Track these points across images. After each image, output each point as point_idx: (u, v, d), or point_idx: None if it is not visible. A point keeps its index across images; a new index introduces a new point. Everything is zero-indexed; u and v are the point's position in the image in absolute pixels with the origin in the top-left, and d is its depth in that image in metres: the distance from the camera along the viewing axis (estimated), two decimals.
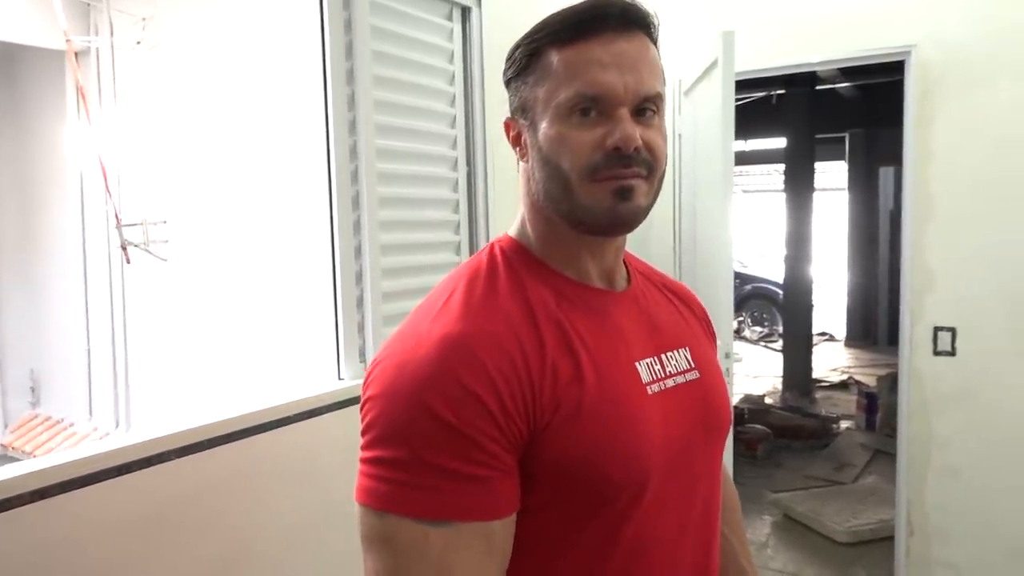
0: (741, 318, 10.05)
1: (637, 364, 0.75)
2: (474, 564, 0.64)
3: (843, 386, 6.41)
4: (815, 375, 6.37)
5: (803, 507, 3.64)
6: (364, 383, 0.71)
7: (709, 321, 0.95)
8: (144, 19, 3.33)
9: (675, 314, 0.86)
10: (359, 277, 1.89)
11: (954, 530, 2.67)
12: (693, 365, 0.81)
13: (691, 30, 3.02)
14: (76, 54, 3.44)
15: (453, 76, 2.22)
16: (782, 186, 6.70)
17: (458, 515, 0.63)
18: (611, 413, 0.69)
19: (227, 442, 1.56)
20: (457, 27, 2.23)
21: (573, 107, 0.70)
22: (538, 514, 0.69)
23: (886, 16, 2.71)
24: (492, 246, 0.79)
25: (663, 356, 0.78)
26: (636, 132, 0.70)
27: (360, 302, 1.90)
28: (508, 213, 2.37)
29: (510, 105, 0.78)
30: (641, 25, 0.73)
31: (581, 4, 0.72)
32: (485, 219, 2.29)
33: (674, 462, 0.74)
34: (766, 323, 9.63)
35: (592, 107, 0.70)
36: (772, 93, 6.17)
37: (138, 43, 3.34)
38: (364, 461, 0.67)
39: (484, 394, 0.64)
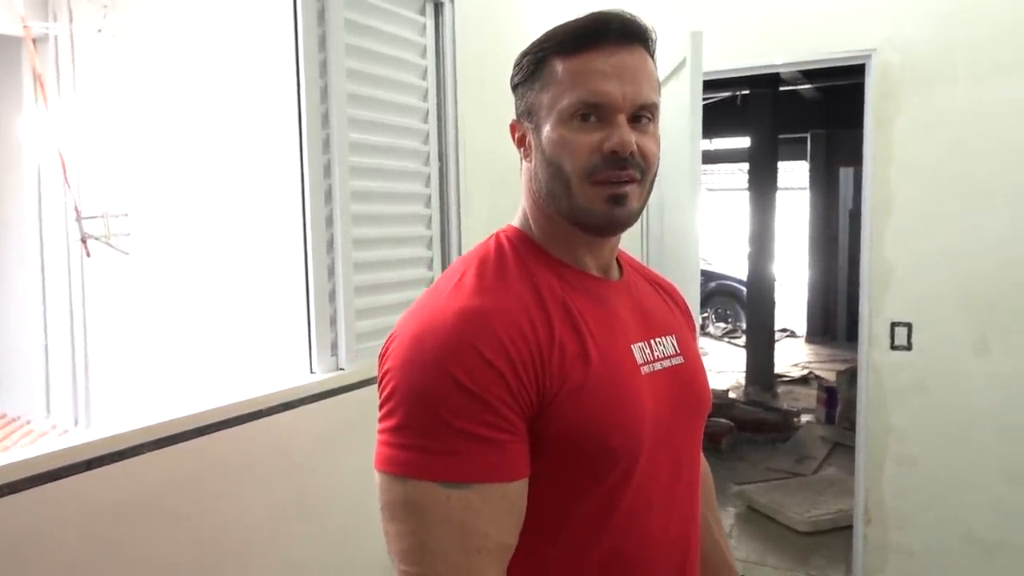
0: (705, 314, 10.19)
1: (632, 346, 0.81)
2: (493, 524, 0.69)
3: (804, 381, 6.57)
4: (777, 370, 6.51)
5: (765, 498, 3.73)
6: (381, 358, 0.76)
7: (691, 315, 1.02)
8: (105, 6, 3.26)
9: (662, 304, 0.93)
10: (331, 271, 1.88)
11: (910, 518, 2.76)
12: (678, 351, 0.87)
13: (660, 30, 3.06)
14: (34, 41, 3.36)
15: (426, 71, 2.23)
16: (746, 185, 6.82)
17: (477, 476, 0.68)
18: (612, 389, 0.75)
19: (198, 436, 1.55)
20: (430, 22, 2.24)
21: (575, 112, 0.77)
22: (543, 481, 0.73)
23: (848, 20, 2.78)
24: (498, 235, 0.85)
25: (652, 341, 0.85)
26: (632, 138, 0.77)
27: (332, 296, 1.89)
28: (480, 208, 2.38)
29: (516, 109, 0.84)
30: (640, 39, 0.81)
31: (585, 17, 0.79)
32: (456, 214, 2.30)
33: (661, 438, 0.80)
34: (730, 319, 9.80)
35: (592, 113, 0.77)
36: (737, 93, 6.27)
37: (99, 31, 3.27)
38: (384, 431, 0.71)
39: (499, 362, 0.69)
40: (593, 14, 0.79)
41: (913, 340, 2.73)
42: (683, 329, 0.93)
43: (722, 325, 9.80)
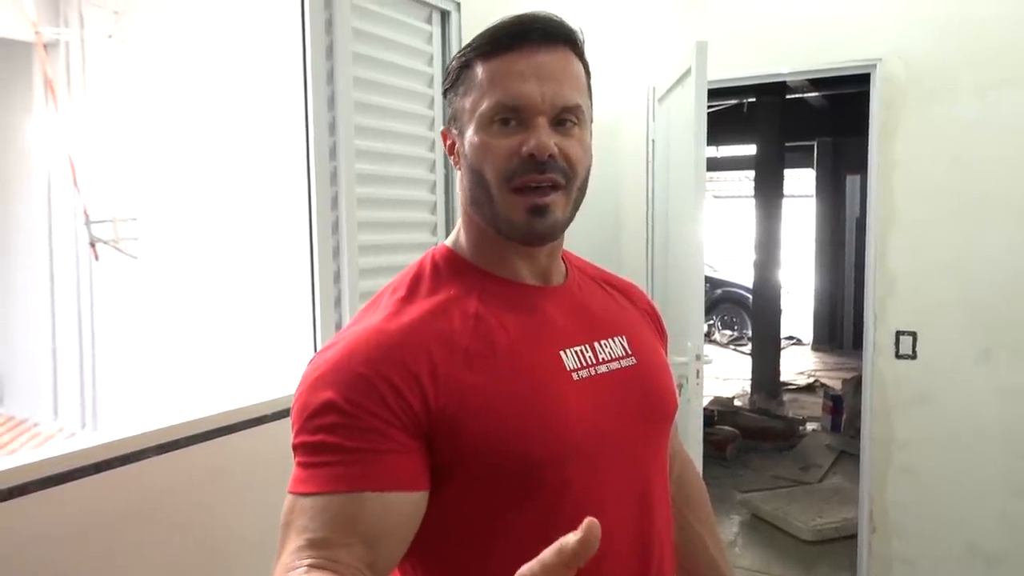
0: (711, 321, 10.18)
1: (562, 352, 0.77)
2: (329, 527, 0.65)
3: (810, 389, 6.55)
4: (783, 378, 6.50)
5: (770, 506, 3.72)
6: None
7: (656, 316, 0.96)
8: (116, 12, 3.29)
9: (612, 304, 0.88)
10: (336, 276, 1.90)
11: (913, 528, 2.76)
12: (629, 352, 0.82)
13: (665, 38, 3.08)
14: (45, 46, 3.39)
15: (432, 79, 2.24)
16: (752, 192, 6.81)
17: (324, 487, 0.66)
18: (527, 396, 0.72)
19: (205, 440, 1.56)
20: (436, 30, 2.26)
21: (494, 116, 0.74)
22: (465, 503, 0.71)
23: (854, 30, 2.79)
24: (425, 256, 0.83)
25: (596, 344, 0.80)
26: (551, 140, 0.73)
27: (337, 301, 1.91)
28: None
29: (445, 116, 0.82)
30: (565, 40, 0.77)
31: (508, 19, 0.76)
32: None
33: (604, 447, 0.75)
34: (735, 327, 9.77)
35: (512, 117, 0.74)
36: (744, 101, 6.27)
37: (110, 36, 3.30)
38: (292, 448, 0.72)
39: (376, 381, 0.68)
40: (515, 16, 0.76)
41: (918, 349, 2.73)
42: (638, 328, 0.88)
43: (728, 332, 9.78)
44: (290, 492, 0.69)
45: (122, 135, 3.33)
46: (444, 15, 2.27)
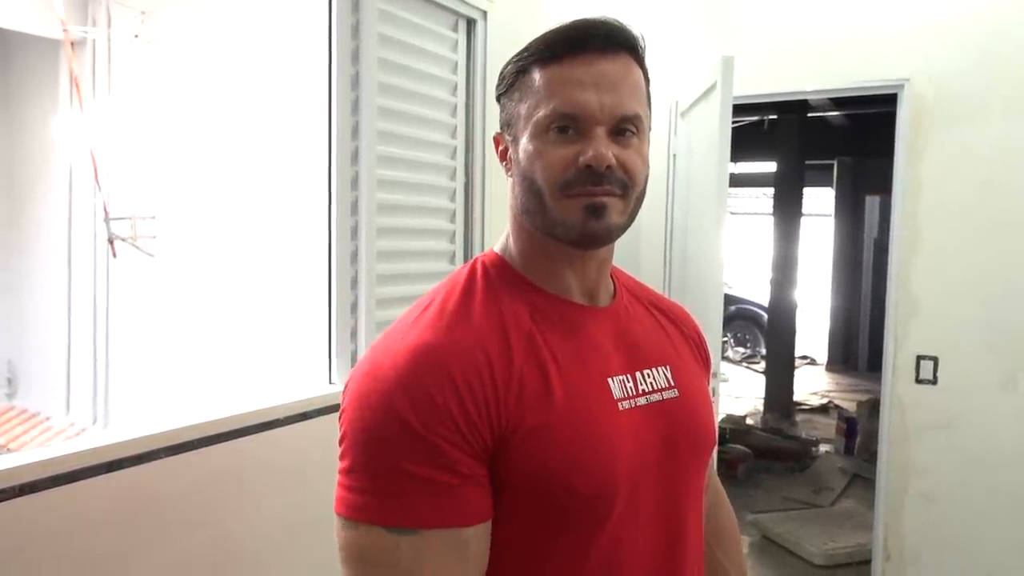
0: (725, 338, 10.10)
1: (610, 380, 0.75)
2: (444, 571, 0.64)
3: (823, 410, 6.47)
4: (796, 398, 6.42)
5: (781, 528, 3.67)
6: (342, 396, 0.72)
7: (702, 344, 0.94)
8: (143, 13, 3.32)
9: (659, 332, 0.86)
10: (354, 282, 1.89)
11: (929, 557, 2.70)
12: (672, 384, 0.80)
13: (690, 53, 3.06)
14: (72, 44, 3.43)
15: (456, 87, 2.24)
16: (770, 209, 6.77)
17: (426, 522, 0.64)
18: (579, 426, 0.70)
19: (217, 442, 1.55)
20: (462, 38, 2.25)
21: (550, 124, 0.72)
22: (509, 524, 0.69)
23: (881, 49, 2.76)
24: (475, 261, 0.81)
25: (638, 374, 0.78)
26: (610, 152, 0.71)
27: (354, 307, 1.90)
28: (504, 224, 2.38)
29: (499, 121, 0.80)
30: (626, 46, 0.75)
31: (568, 24, 0.74)
32: (481, 230, 2.30)
33: (645, 480, 0.74)
34: (749, 344, 9.70)
35: (569, 125, 0.72)
36: (764, 118, 6.24)
37: (136, 36, 3.33)
38: (339, 472, 0.68)
39: (449, 402, 0.65)
40: (576, 21, 0.74)
41: (939, 374, 2.68)
42: (683, 359, 0.86)
43: (741, 350, 9.70)
44: (373, 522, 0.64)
45: (145, 134, 3.36)
46: (470, 23, 2.27)
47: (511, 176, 0.78)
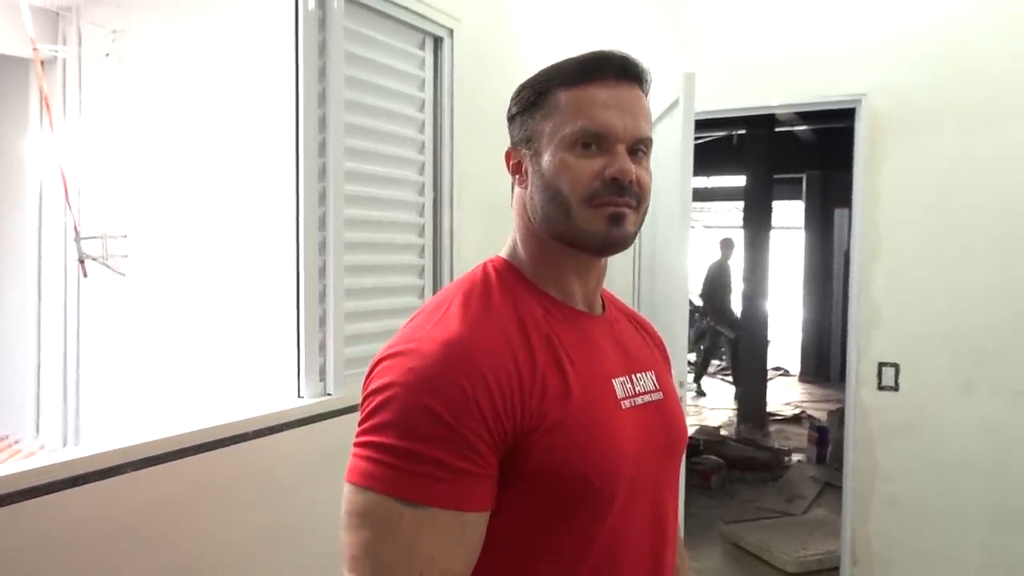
0: (699, 349, 10.19)
1: (613, 381, 0.82)
2: (441, 550, 0.69)
3: (796, 420, 6.55)
4: (770, 409, 6.50)
5: (754, 537, 3.71)
6: (367, 379, 0.77)
7: (666, 352, 1.03)
8: (115, 31, 3.33)
9: (641, 341, 0.95)
10: (322, 296, 1.91)
11: (896, 560, 2.76)
12: (657, 387, 0.88)
13: (655, 70, 3.13)
14: (42, 63, 3.41)
15: (424, 103, 2.27)
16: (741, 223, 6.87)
17: (434, 500, 0.69)
18: (592, 424, 0.76)
19: (184, 456, 1.55)
20: (429, 56, 2.29)
21: (577, 140, 0.79)
22: (516, 517, 0.75)
23: (839, 65, 2.85)
24: (485, 265, 0.86)
25: (633, 376, 0.85)
26: (632, 167, 0.80)
27: (322, 321, 1.91)
28: (473, 238, 2.41)
29: (513, 137, 0.87)
30: (637, 78, 0.85)
31: (587, 53, 0.83)
32: (450, 244, 2.33)
33: (640, 474, 0.80)
34: (724, 356, 9.78)
35: (593, 142, 0.80)
36: (733, 133, 6.36)
37: (107, 55, 3.33)
38: (360, 445, 0.73)
39: (480, 397, 0.71)
40: (595, 51, 0.83)
41: (900, 381, 2.75)
42: (661, 366, 0.94)
43: (716, 362, 9.78)
44: (385, 492, 0.69)
45: (116, 152, 3.35)
46: (437, 41, 2.31)
47: (523, 188, 0.85)
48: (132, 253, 3.25)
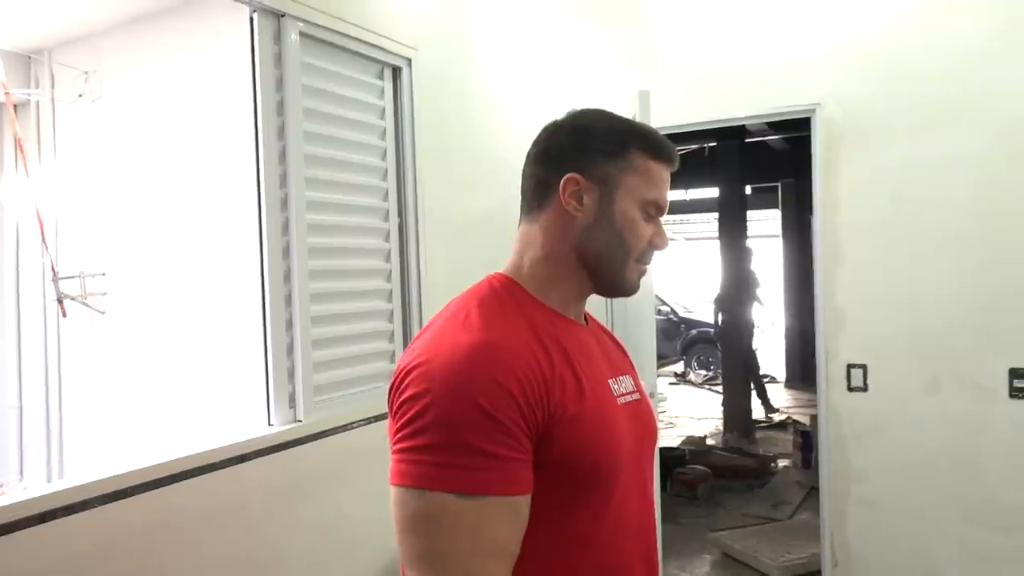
0: (684, 360, 10.27)
1: (609, 380, 0.94)
2: (501, 531, 0.78)
3: (782, 426, 6.59)
4: (756, 416, 6.54)
5: (740, 544, 3.73)
6: (398, 386, 0.82)
7: (631, 361, 1.14)
8: (87, 72, 3.37)
9: (615, 350, 1.07)
10: (289, 324, 1.94)
11: (874, 558, 2.78)
12: (634, 389, 1.00)
13: (613, 87, 3.21)
14: (15, 106, 3.45)
15: (384, 131, 2.32)
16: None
17: (489, 489, 0.76)
18: (600, 418, 0.87)
19: (154, 488, 1.58)
20: (388, 85, 2.35)
21: (647, 206, 0.93)
22: (542, 495, 0.82)
23: (792, 76, 2.92)
24: (490, 280, 0.95)
25: (618, 379, 0.97)
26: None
27: (290, 349, 1.94)
28: (440, 259, 2.46)
29: (581, 169, 0.92)
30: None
31: (657, 133, 0.96)
32: (416, 267, 2.38)
33: (632, 463, 0.92)
34: (711, 367, 9.84)
35: (654, 212, 0.95)
36: (704, 145, 6.46)
37: (80, 96, 3.37)
38: (405, 450, 0.79)
39: (515, 390, 0.79)
40: (661, 135, 0.96)
41: (869, 381, 2.80)
42: (633, 371, 1.06)
43: (703, 372, 9.84)
44: (443, 489, 0.75)
45: (91, 191, 3.38)
46: (396, 70, 2.36)
47: (575, 213, 0.92)
48: (110, 290, 3.27)
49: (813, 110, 2.89)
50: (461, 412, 0.76)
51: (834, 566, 2.84)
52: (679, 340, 10.63)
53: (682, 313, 10.91)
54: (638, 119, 2.45)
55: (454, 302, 0.93)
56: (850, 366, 2.83)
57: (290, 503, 1.91)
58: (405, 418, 0.79)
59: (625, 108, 2.67)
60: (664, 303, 10.86)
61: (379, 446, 2.15)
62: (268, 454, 1.84)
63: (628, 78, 3.16)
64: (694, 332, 10.42)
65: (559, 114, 0.99)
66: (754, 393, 6.69)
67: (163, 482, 1.60)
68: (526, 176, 0.99)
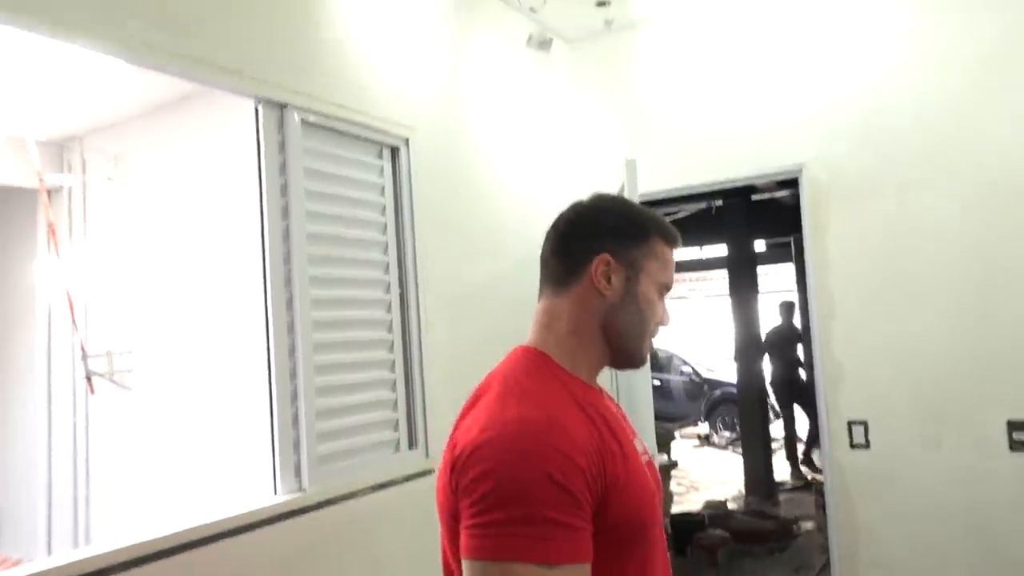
0: (708, 422, 10.11)
1: (633, 439, 1.01)
2: None
3: (807, 487, 6.45)
4: (779, 478, 6.42)
5: None
6: (464, 464, 0.86)
7: None
8: (116, 156, 3.58)
9: (620, 411, 1.11)
10: (294, 396, 2.03)
11: None
12: (645, 449, 1.06)
13: (601, 158, 3.36)
14: (48, 192, 3.65)
15: (384, 207, 2.45)
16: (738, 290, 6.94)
17: (567, 558, 0.81)
18: (639, 478, 0.94)
19: (165, 557, 1.65)
20: (387, 164, 2.49)
21: (662, 289, 1.05)
22: (597, 554, 0.87)
23: (778, 140, 3.05)
24: (524, 351, 1.01)
25: (635, 439, 1.03)
26: None
27: (295, 420, 2.02)
28: (441, 328, 2.55)
29: (612, 251, 1.01)
30: None
31: (665, 221, 1.06)
32: (418, 336, 2.46)
33: (658, 512, 0.99)
34: (736, 428, 9.69)
35: (665, 292, 1.05)
36: (712, 204, 6.55)
37: (109, 179, 3.58)
38: (482, 525, 0.82)
39: (581, 462, 0.84)
40: (669, 223, 1.07)
41: (871, 437, 2.80)
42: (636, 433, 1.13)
43: (727, 434, 9.69)
44: (527, 560, 0.79)
45: (118, 271, 3.55)
46: (394, 150, 2.51)
47: (606, 295, 1.01)
48: (135, 367, 3.40)
49: (799, 171, 3.00)
50: (536, 485, 0.80)
51: None
52: (703, 401, 10.49)
53: (704, 374, 10.80)
54: (625, 186, 2.58)
55: (497, 376, 0.98)
56: (851, 423, 2.85)
57: (297, 569, 1.96)
58: (478, 494, 0.82)
59: (613, 176, 2.79)
60: (686, 363, 10.78)
61: (383, 513, 2.21)
62: (275, 522, 1.91)
63: (617, 148, 3.30)
64: (717, 393, 10.29)
65: (582, 195, 1.09)
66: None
67: (174, 551, 1.67)
68: (554, 252, 1.05)
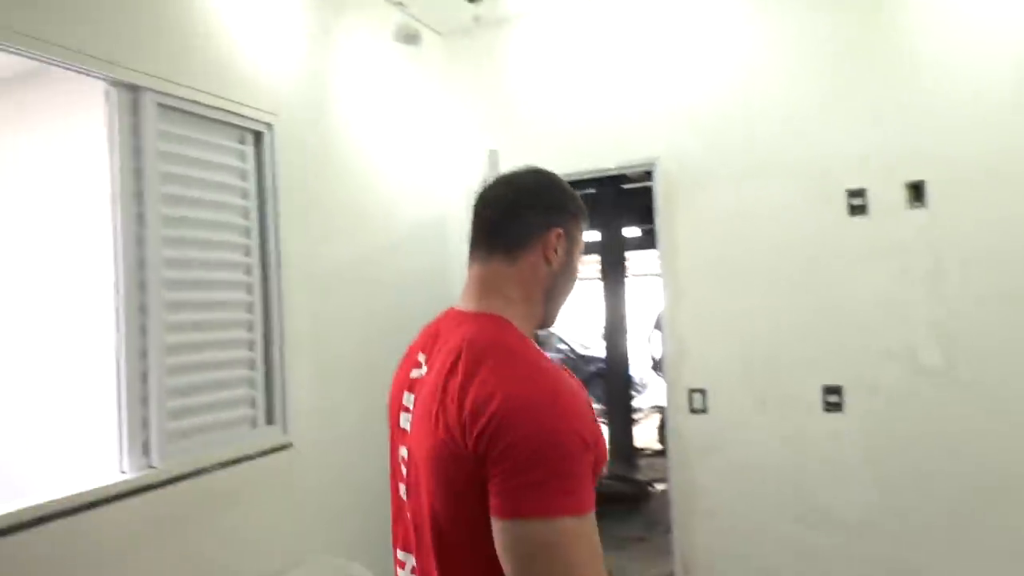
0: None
1: None
2: (596, 538, 0.89)
3: (663, 453, 6.92)
4: (641, 444, 6.85)
5: (609, 564, 3.96)
6: (496, 429, 0.88)
7: None
8: None
9: None
10: (144, 376, 2.04)
11: (720, 566, 3.07)
12: None
13: (466, 148, 3.49)
14: None
15: (247, 191, 2.47)
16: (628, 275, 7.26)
17: (590, 507, 0.88)
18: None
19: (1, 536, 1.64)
20: (250, 149, 2.49)
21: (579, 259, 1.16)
22: None
23: (635, 135, 3.28)
24: (497, 320, 1.05)
25: None
26: None
27: (145, 399, 2.04)
28: (302, 307, 2.60)
29: (563, 227, 1.10)
30: None
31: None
32: (279, 315, 2.51)
33: None
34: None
35: None
36: (585, 192, 6.81)
37: None
38: (524, 486, 0.86)
39: (595, 419, 0.94)
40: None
41: (708, 403, 3.11)
42: None
43: (598, 407, 10.13)
44: (575, 513, 0.85)
45: None
46: (257, 135, 2.52)
47: (550, 266, 1.09)
48: None
49: (654, 164, 3.23)
50: (573, 446, 0.87)
51: (685, 575, 3.10)
52: (579, 376, 10.88)
53: (580, 351, 11.22)
54: (487, 175, 2.71)
55: (492, 335, 1.01)
56: (691, 391, 3.14)
57: (147, 546, 1.99)
58: (518, 458, 0.86)
59: (476, 165, 2.92)
60: (563, 341, 11.17)
61: (239, 488, 2.25)
62: (123, 499, 1.92)
63: (484, 138, 3.43)
64: (592, 368, 10.71)
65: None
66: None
67: (11, 531, 1.66)
68: (505, 218, 1.09)
